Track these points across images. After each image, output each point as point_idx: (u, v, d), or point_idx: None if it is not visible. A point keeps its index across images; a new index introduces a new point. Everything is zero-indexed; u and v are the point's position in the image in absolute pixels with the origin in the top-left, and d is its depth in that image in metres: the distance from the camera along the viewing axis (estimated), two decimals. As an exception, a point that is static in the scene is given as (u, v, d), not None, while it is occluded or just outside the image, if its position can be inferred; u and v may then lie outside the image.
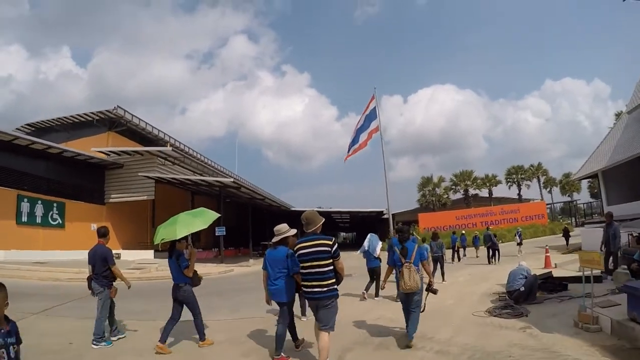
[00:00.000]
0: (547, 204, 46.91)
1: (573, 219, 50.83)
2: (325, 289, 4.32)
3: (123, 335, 6.23)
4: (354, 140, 40.52)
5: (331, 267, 4.37)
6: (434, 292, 5.59)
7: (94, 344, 5.66)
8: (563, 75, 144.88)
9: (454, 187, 50.05)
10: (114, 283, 6.08)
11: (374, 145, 40.27)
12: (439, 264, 12.26)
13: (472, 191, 49.94)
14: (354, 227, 73.36)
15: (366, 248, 9.76)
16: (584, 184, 55.88)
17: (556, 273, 10.65)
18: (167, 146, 30.73)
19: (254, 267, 24.07)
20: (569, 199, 55.11)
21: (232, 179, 26.22)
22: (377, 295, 9.42)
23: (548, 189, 53.55)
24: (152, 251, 25.72)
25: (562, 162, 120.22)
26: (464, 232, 22.32)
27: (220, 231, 24.86)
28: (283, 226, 5.21)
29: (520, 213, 39.48)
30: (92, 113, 30.62)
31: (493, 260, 16.79)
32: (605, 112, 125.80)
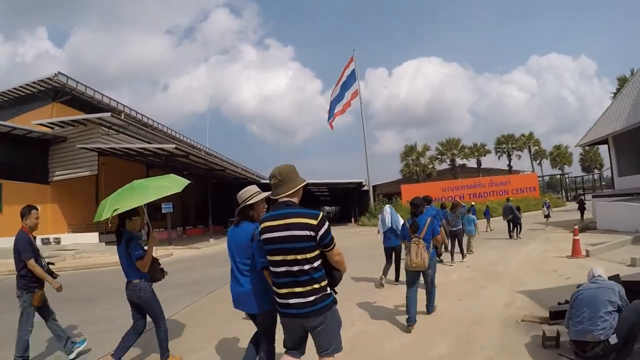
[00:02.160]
0: (538, 177, 43.77)
1: (563, 192, 48.15)
2: (308, 298, 2.42)
3: (80, 347, 4.67)
4: (336, 100, 37.12)
5: (319, 262, 2.47)
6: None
7: None
8: (549, 51, 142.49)
9: (439, 156, 46.49)
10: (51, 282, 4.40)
11: (357, 115, 36.97)
12: (457, 240, 10.45)
13: (459, 161, 46.56)
14: (336, 200, 69.71)
15: (389, 224, 7.83)
16: (576, 156, 53.34)
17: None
18: (120, 115, 27.48)
19: (209, 248, 20.84)
20: (559, 172, 52.27)
21: (174, 145, 22.36)
22: (397, 279, 7.97)
23: (538, 161, 50.59)
24: (97, 234, 22.61)
25: (547, 137, 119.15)
26: (473, 203, 18.83)
27: (166, 208, 21.83)
28: (248, 190, 3.27)
29: (510, 185, 36.53)
30: (33, 83, 27.10)
31: (515, 234, 15.05)
32: (591, 88, 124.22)
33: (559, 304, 5.12)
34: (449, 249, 10.30)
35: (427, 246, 5.06)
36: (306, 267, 2.40)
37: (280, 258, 2.45)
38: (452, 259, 10.05)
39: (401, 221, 7.51)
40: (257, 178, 36.70)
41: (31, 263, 4.29)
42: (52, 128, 24.37)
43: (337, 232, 23.80)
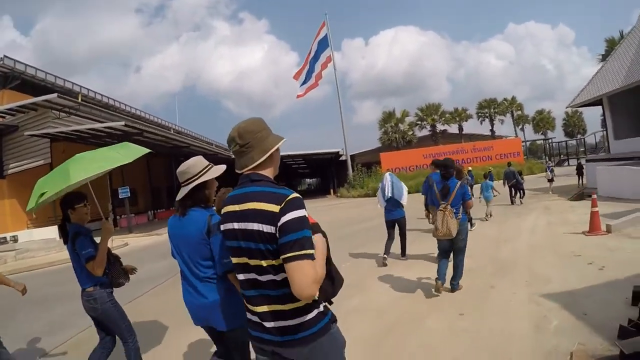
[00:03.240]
0: (522, 142, 42.39)
1: (546, 159, 47.12)
2: (290, 321, 1.59)
3: None
4: (307, 75, 34.55)
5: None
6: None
7: None
8: (527, 19, 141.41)
9: (419, 122, 44.24)
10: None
11: (334, 86, 34.58)
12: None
13: (440, 127, 44.49)
14: (315, 172, 67.55)
15: (389, 194, 6.83)
16: (559, 122, 52.08)
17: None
18: (77, 97, 24.60)
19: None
20: (542, 137, 51.10)
21: (123, 122, 19.88)
22: (403, 254, 7.16)
23: (520, 127, 49.18)
24: (56, 227, 19.43)
25: (526, 104, 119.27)
26: (470, 168, 16.76)
27: (123, 192, 19.62)
28: (196, 162, 2.45)
29: (494, 150, 35.07)
30: None
31: (517, 199, 14.31)
32: (569, 57, 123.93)
33: (630, 324, 3.19)
34: None
35: (456, 212, 4.68)
36: (279, 277, 1.53)
37: (243, 261, 1.62)
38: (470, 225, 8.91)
39: (405, 189, 6.97)
40: (226, 155, 34.34)
41: None
42: (4, 117, 21.65)
43: (314, 205, 21.73)
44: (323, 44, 33.28)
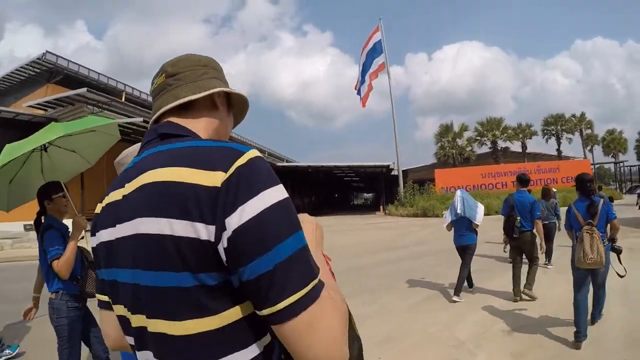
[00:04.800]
0: (591, 164, 39.10)
1: (617, 184, 43.27)
2: None
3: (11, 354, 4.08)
4: (362, 81, 33.74)
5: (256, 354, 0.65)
6: (618, 251, 4.17)
7: None
8: (593, 35, 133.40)
9: (479, 137, 41.42)
10: None
11: (396, 99, 33.53)
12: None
13: (501, 143, 41.59)
14: (369, 186, 65.64)
15: (460, 212, 5.74)
16: (630, 144, 47.76)
17: None
18: (121, 96, 25.48)
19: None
20: (612, 160, 47.07)
21: (142, 118, 20.26)
22: (457, 292, 5.67)
23: (589, 147, 45.49)
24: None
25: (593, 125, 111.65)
26: (555, 189, 11.03)
27: None
28: (132, 150, 2.00)
29: (560, 173, 32.31)
30: (26, 65, 25.72)
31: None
32: (639, 75, 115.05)
33: None
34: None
35: (602, 237, 4.06)
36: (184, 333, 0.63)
37: (126, 317, 0.74)
38: (548, 259, 7.61)
39: (480, 207, 5.87)
40: (286, 163, 34.58)
41: None
42: (46, 110, 22.67)
43: (351, 222, 20.29)
44: (376, 50, 32.41)
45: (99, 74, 28.74)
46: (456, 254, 6.05)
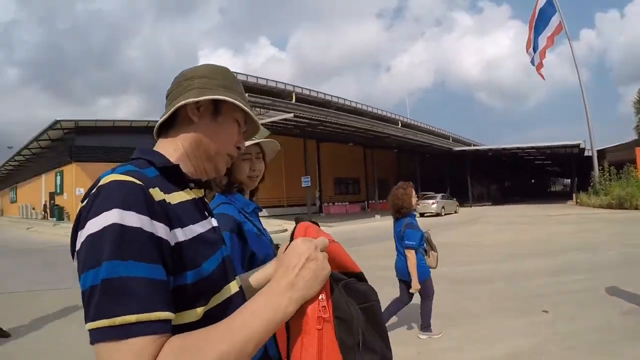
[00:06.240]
0: None
1: None
2: None
3: None
4: (534, 47, 28.85)
5: None
6: None
7: None
8: None
9: None
10: None
11: (594, 71, 28.08)
12: None
13: None
14: (567, 172, 55.20)
15: None
16: None
17: None
18: (291, 97, 28.39)
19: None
20: None
21: (292, 114, 21.57)
22: None
23: None
24: None
25: None
26: None
27: (305, 182, 22.10)
28: None
29: None
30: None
31: None
32: None
33: None
34: None
35: None
36: None
37: None
38: None
39: None
40: (440, 146, 33.51)
41: None
42: None
43: (533, 214, 19.23)
44: (546, 12, 27.40)
45: (267, 79, 31.02)
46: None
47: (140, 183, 0.66)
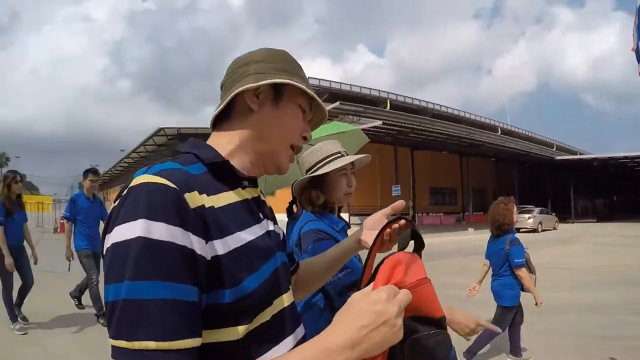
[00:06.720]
0: None
1: None
2: None
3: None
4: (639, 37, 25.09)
5: None
6: None
7: None
8: None
9: None
10: None
11: None
12: None
13: None
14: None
15: None
16: None
17: None
18: (385, 104, 28.40)
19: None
20: None
21: (380, 122, 21.15)
22: None
23: None
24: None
25: None
26: None
27: (395, 190, 21.28)
28: (316, 148, 1.60)
29: None
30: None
31: None
32: None
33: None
34: None
35: None
36: None
37: None
38: None
39: None
40: (539, 154, 30.40)
41: None
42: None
43: (635, 235, 15.69)
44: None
45: (360, 87, 31.21)
46: None
47: (174, 187, 0.58)
